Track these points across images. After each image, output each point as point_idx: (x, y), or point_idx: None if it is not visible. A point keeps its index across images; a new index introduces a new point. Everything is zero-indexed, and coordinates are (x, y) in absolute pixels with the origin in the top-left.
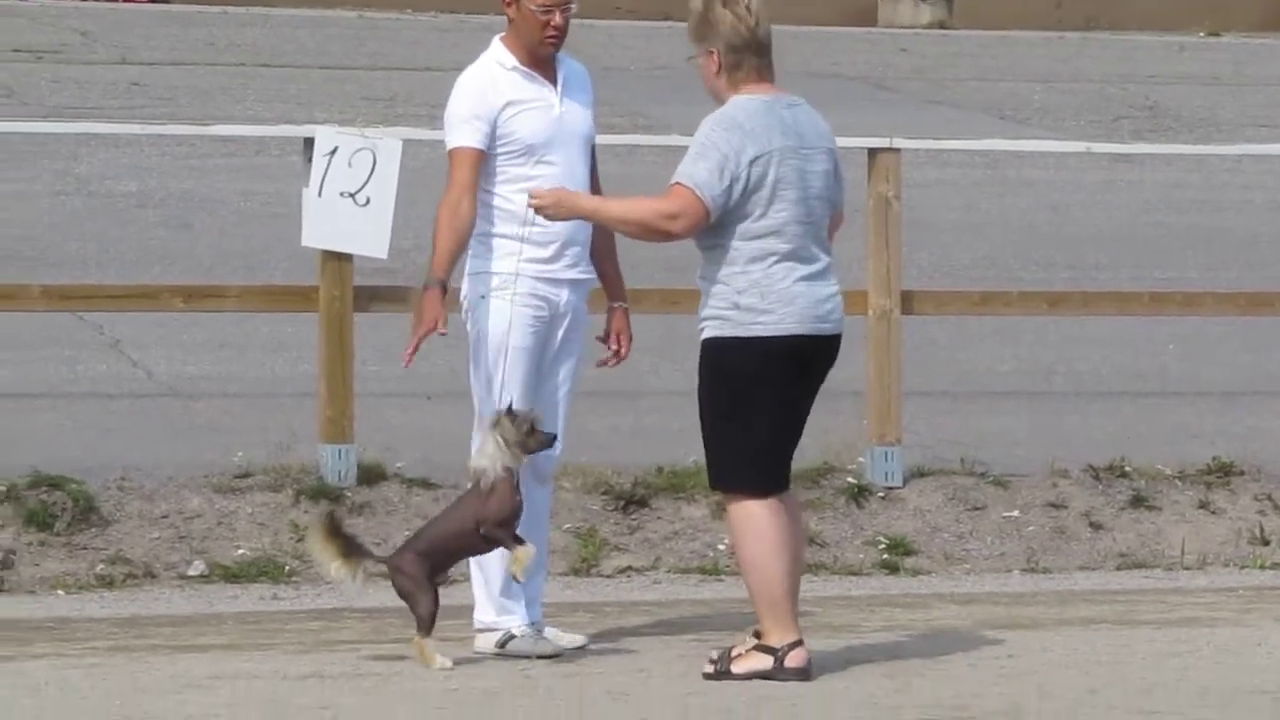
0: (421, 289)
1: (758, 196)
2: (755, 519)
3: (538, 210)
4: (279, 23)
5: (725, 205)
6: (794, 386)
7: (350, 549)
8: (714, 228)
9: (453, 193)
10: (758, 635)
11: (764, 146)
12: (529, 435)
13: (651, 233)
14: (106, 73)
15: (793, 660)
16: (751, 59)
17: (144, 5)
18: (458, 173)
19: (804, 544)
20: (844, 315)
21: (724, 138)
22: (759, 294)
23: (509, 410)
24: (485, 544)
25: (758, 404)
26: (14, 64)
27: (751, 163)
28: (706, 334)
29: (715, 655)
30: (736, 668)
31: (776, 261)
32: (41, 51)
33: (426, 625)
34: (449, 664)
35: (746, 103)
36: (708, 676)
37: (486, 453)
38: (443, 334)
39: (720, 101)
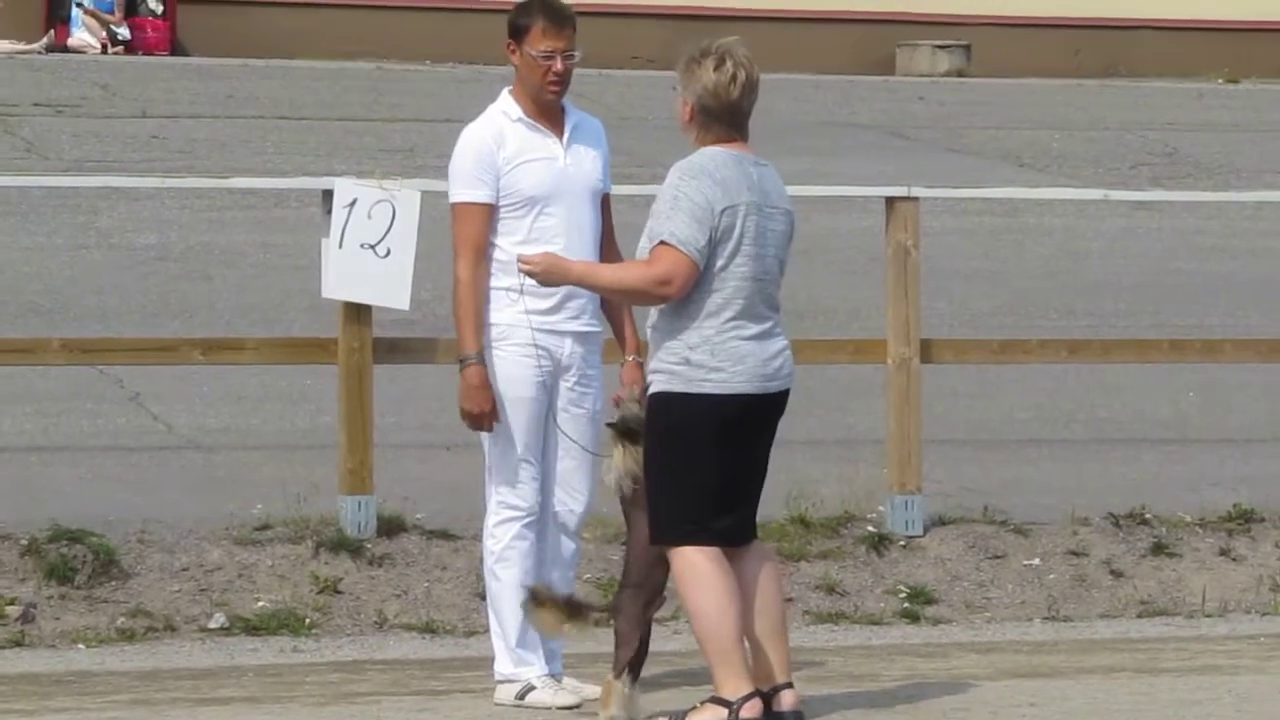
0: (460, 369)
1: (722, 248)
2: (697, 569)
3: (529, 275)
4: (297, 75)
5: (707, 255)
6: (737, 445)
7: (573, 610)
8: None
9: (466, 259)
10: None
11: (733, 199)
12: (641, 409)
13: (646, 298)
14: (126, 126)
15: (748, 712)
16: (720, 126)
17: (163, 59)
18: (466, 230)
19: (776, 596)
20: (793, 370)
21: (694, 187)
22: (709, 351)
23: (612, 424)
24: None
25: (701, 459)
26: (35, 118)
27: (722, 213)
28: (655, 388)
29: (668, 714)
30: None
31: (730, 319)
32: (62, 105)
33: (622, 666)
34: (621, 715)
35: (716, 153)
36: None
37: (614, 464)
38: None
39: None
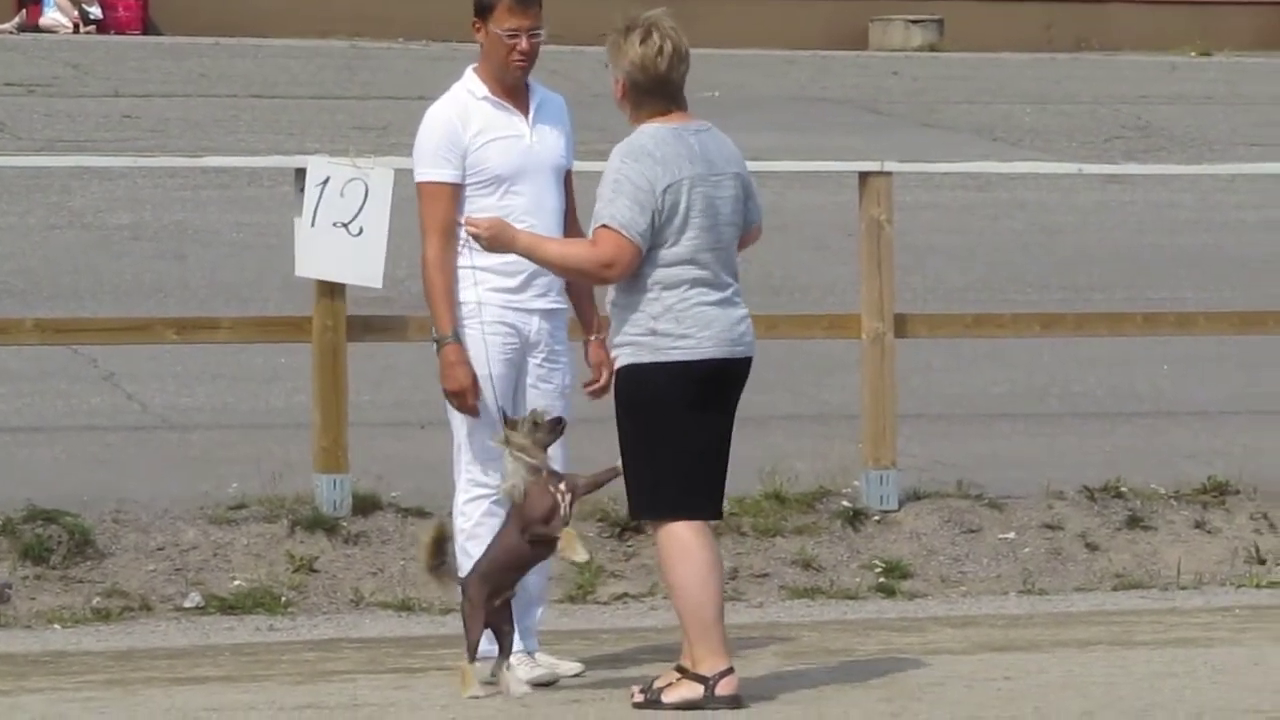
0: (436, 350)
1: (671, 225)
2: (683, 542)
3: (474, 238)
4: (270, 53)
5: (650, 236)
6: (711, 410)
7: (438, 564)
8: None
9: (434, 239)
10: (681, 670)
11: (675, 175)
12: (535, 430)
13: (588, 278)
14: (99, 106)
15: (724, 688)
16: (653, 100)
17: (136, 38)
18: (433, 209)
19: (721, 578)
20: (754, 339)
21: (635, 169)
22: (674, 319)
23: (505, 421)
24: (539, 548)
25: (680, 428)
26: (6, 98)
27: (665, 191)
28: (622, 361)
29: (641, 685)
30: (667, 697)
31: (689, 288)
32: (33, 85)
33: (470, 650)
34: (480, 694)
35: (655, 131)
36: (637, 706)
37: (508, 471)
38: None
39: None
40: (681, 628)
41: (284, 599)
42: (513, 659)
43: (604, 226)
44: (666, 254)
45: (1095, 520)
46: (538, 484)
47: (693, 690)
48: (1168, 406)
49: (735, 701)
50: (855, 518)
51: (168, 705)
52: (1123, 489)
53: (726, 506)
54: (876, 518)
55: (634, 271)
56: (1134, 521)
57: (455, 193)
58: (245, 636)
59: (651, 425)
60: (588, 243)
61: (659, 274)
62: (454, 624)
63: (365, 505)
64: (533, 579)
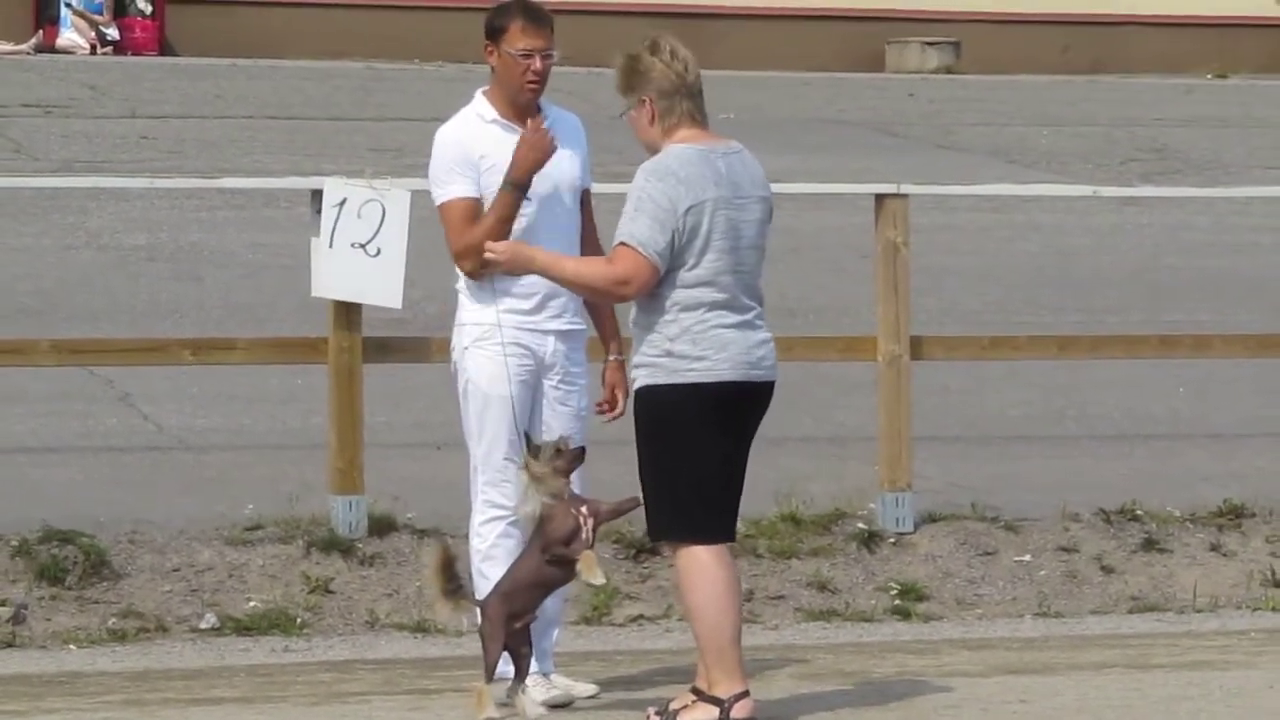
0: (502, 194)
1: (691, 246)
2: (703, 566)
3: (493, 264)
4: (286, 74)
5: (669, 256)
6: (729, 434)
7: (453, 588)
8: None
9: (466, 263)
10: (696, 692)
11: (698, 196)
12: (557, 458)
13: (605, 296)
14: (115, 126)
15: (739, 711)
16: (683, 103)
17: (152, 59)
18: (459, 228)
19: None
20: (776, 363)
21: (659, 188)
22: (690, 341)
23: (529, 447)
24: (560, 569)
25: (696, 451)
26: (23, 119)
27: (686, 212)
28: (640, 383)
29: (656, 709)
30: (682, 718)
31: (708, 310)
32: (50, 106)
33: (488, 672)
34: (495, 715)
35: (681, 151)
36: None
37: (526, 497)
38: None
39: (655, 152)
40: (698, 650)
41: (299, 620)
42: (528, 681)
43: (622, 244)
44: (686, 275)
45: (1111, 543)
46: (561, 506)
47: (708, 713)
48: (1184, 429)
49: None
50: (871, 540)
51: None
52: (1138, 512)
53: (742, 528)
54: (892, 540)
55: (650, 290)
56: (1150, 544)
57: (477, 208)
58: (261, 658)
59: (668, 447)
60: (604, 260)
61: (678, 295)
62: (470, 645)
63: (381, 526)
64: (549, 601)
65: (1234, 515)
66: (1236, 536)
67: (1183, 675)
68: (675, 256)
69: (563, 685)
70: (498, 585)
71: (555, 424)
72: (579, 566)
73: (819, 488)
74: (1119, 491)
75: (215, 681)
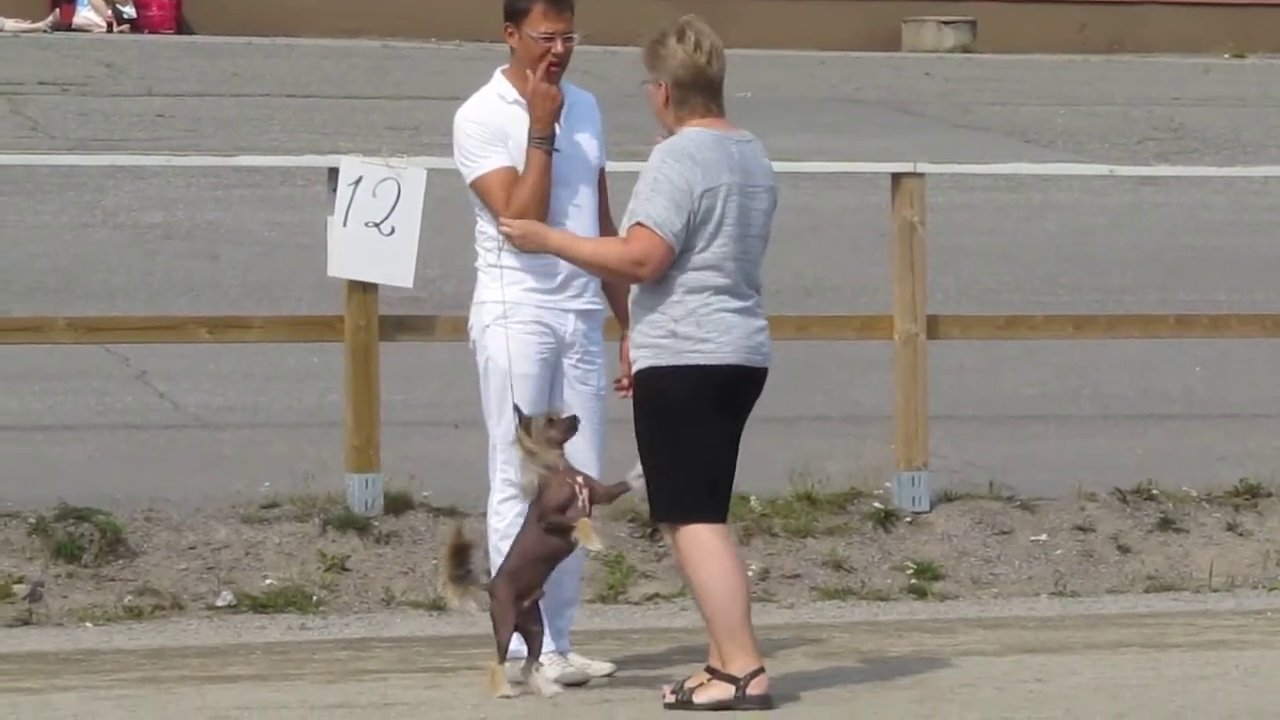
0: (534, 152)
1: (704, 230)
2: (707, 544)
3: (507, 238)
4: (303, 53)
5: (685, 237)
6: (727, 416)
7: (461, 573)
8: None
9: (505, 212)
10: (711, 671)
11: (714, 180)
12: (549, 428)
13: (620, 276)
14: (132, 105)
15: (755, 688)
16: (697, 97)
17: (169, 37)
18: (497, 198)
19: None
20: (771, 351)
21: (676, 170)
22: (695, 323)
23: (521, 421)
24: (559, 539)
25: (698, 433)
26: (40, 96)
27: (702, 195)
28: (641, 364)
29: (672, 686)
30: (698, 698)
31: (713, 294)
32: (67, 84)
33: (501, 651)
34: (510, 693)
35: (697, 135)
36: (669, 706)
37: (522, 468)
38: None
39: (669, 131)
40: (709, 629)
41: (315, 598)
42: (543, 659)
43: (639, 224)
44: (695, 259)
45: (1127, 522)
46: (556, 475)
47: (724, 691)
48: (1200, 409)
49: (766, 701)
50: (887, 519)
51: (199, 704)
52: (1155, 491)
53: (757, 507)
54: (908, 519)
55: (664, 270)
56: (1166, 524)
57: (514, 176)
58: (277, 635)
59: (671, 429)
60: (620, 241)
61: (684, 277)
62: (485, 624)
63: (397, 505)
64: (565, 580)
65: (1250, 495)
66: (1253, 516)
67: (1199, 655)
68: (688, 238)
69: (579, 663)
70: (502, 566)
71: (575, 402)
72: (576, 534)
73: (835, 466)
74: (1135, 471)
75: (231, 659)
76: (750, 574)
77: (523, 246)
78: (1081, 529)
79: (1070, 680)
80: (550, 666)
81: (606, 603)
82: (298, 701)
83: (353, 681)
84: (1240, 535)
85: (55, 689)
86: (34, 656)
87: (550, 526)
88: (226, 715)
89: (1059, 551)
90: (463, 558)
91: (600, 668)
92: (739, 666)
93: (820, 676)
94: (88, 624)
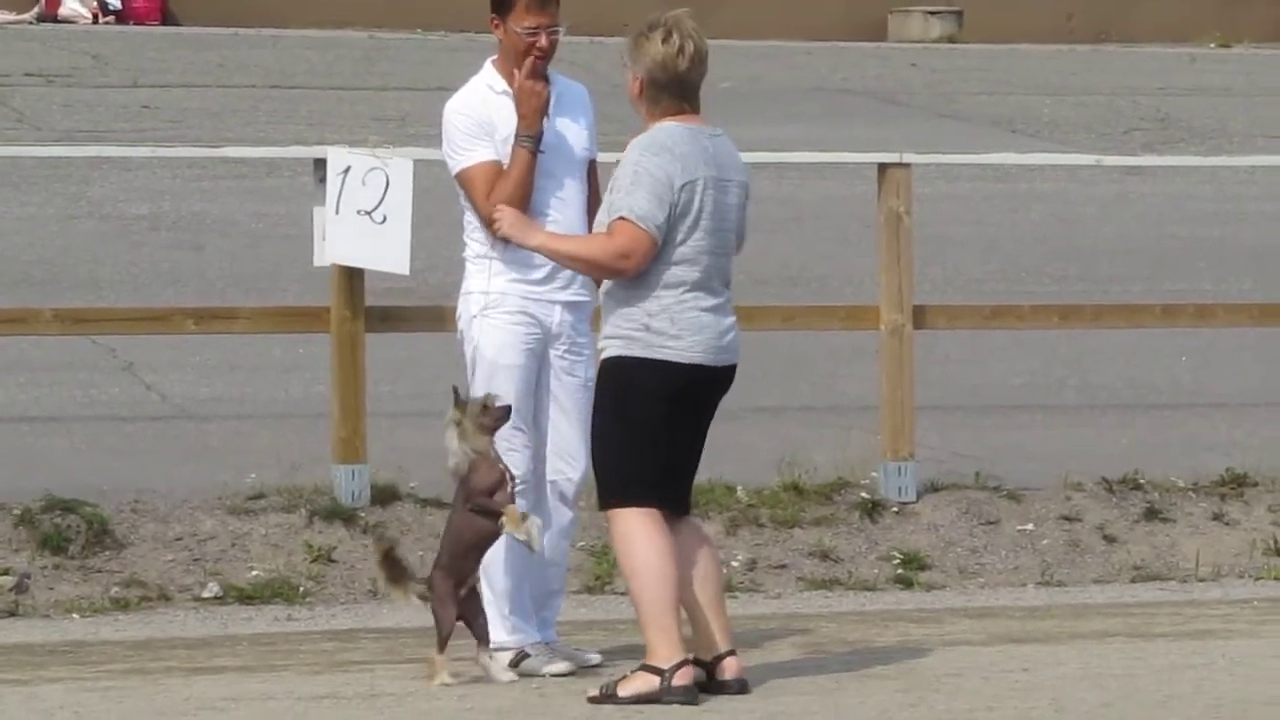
0: (519, 150)
1: (682, 223)
2: (637, 531)
3: (494, 223)
4: (289, 44)
5: (666, 231)
6: (687, 412)
7: (397, 574)
8: None
9: (486, 206)
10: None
11: (692, 174)
12: (484, 414)
13: (605, 271)
14: (118, 96)
15: (680, 679)
16: (669, 99)
17: (154, 28)
18: (480, 191)
19: (714, 566)
20: (739, 347)
21: (655, 163)
22: (669, 319)
23: (457, 402)
24: (487, 522)
25: (652, 423)
26: (26, 88)
27: (681, 188)
28: (610, 353)
29: (601, 687)
30: (623, 690)
31: (686, 290)
32: (53, 75)
33: (441, 642)
34: (450, 681)
35: (673, 129)
36: (592, 700)
37: (451, 449)
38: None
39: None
40: (637, 617)
41: (302, 589)
42: (530, 649)
43: (622, 219)
44: (671, 253)
45: (1114, 512)
46: (484, 460)
47: (648, 683)
48: (1186, 398)
49: (690, 694)
50: (873, 509)
51: (186, 695)
52: (1141, 481)
53: (744, 498)
54: (894, 509)
55: (648, 264)
56: (1152, 513)
57: (498, 170)
58: (263, 626)
59: (626, 416)
60: (604, 236)
61: (660, 272)
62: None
63: (384, 496)
64: (551, 571)
65: (1237, 484)
66: (1239, 505)
67: (1185, 644)
68: (667, 231)
69: (565, 653)
70: (436, 560)
71: (562, 394)
72: (504, 519)
73: (822, 457)
74: (1121, 461)
75: (218, 650)
76: (736, 564)
77: (506, 236)
78: (1068, 519)
79: (1056, 670)
80: (538, 657)
81: (593, 593)
82: (284, 692)
83: (339, 672)
84: (1227, 524)
85: (42, 680)
86: (20, 648)
87: (477, 508)
88: (213, 706)
89: (1045, 541)
90: (393, 560)
91: (587, 658)
92: (663, 657)
93: (807, 666)
94: (74, 615)
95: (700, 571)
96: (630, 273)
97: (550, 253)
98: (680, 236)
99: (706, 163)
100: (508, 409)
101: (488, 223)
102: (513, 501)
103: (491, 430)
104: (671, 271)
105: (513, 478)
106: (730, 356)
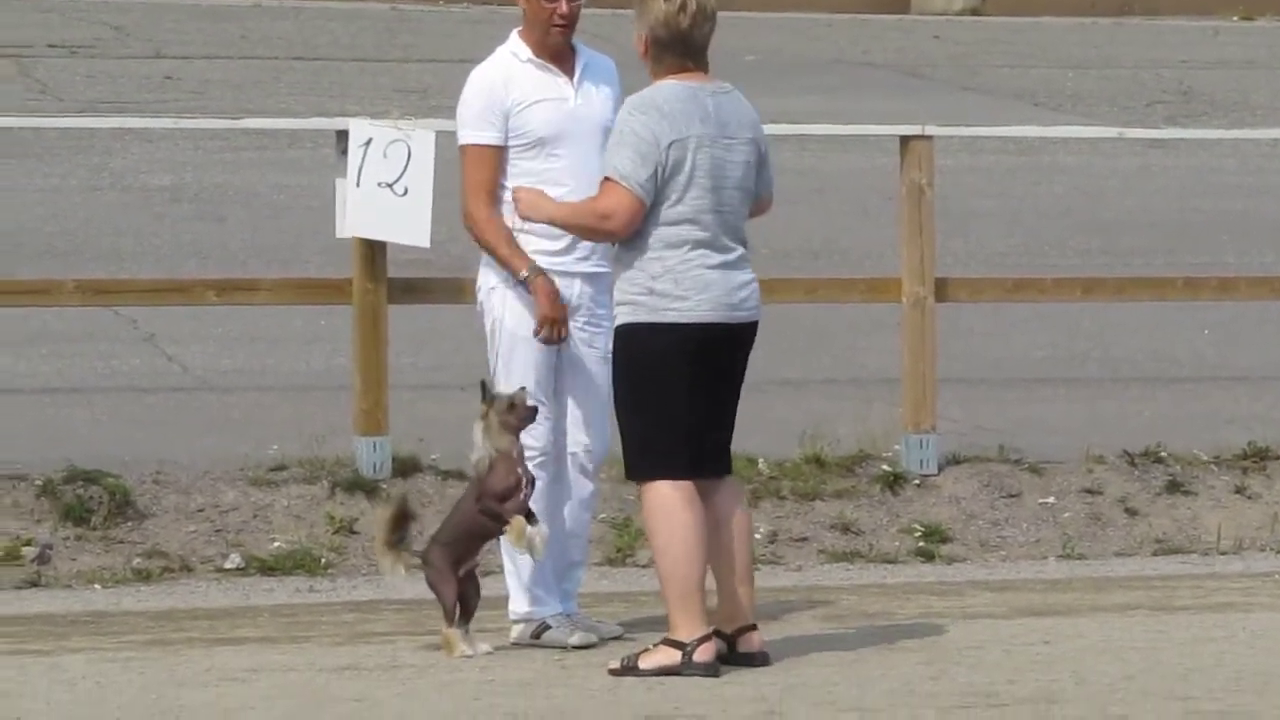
0: (529, 288)
1: (674, 182)
2: (669, 504)
3: (515, 202)
4: (311, 15)
5: (654, 190)
6: (709, 373)
7: (395, 539)
8: None
9: (478, 200)
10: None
11: (682, 132)
12: (509, 412)
13: (591, 233)
14: (140, 67)
15: (701, 655)
16: (672, 57)
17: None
18: (476, 173)
19: (745, 536)
20: (760, 303)
21: (641, 122)
22: (673, 280)
23: (485, 397)
24: (493, 522)
25: (670, 390)
26: (48, 59)
27: (669, 147)
28: (621, 320)
29: (624, 659)
30: (644, 663)
31: (691, 249)
32: (75, 46)
33: (449, 615)
34: (470, 652)
35: (669, 87)
36: (613, 672)
37: (475, 443)
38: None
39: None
40: (661, 591)
41: (324, 560)
42: (551, 620)
43: (606, 179)
44: (669, 212)
45: (1135, 485)
46: (504, 461)
47: (670, 656)
48: (1209, 372)
49: (712, 669)
50: (895, 482)
51: (208, 665)
52: (1163, 454)
53: (765, 470)
54: (916, 482)
55: (637, 225)
56: (1174, 487)
57: (497, 155)
58: (285, 598)
59: (643, 385)
60: (591, 198)
61: (661, 232)
62: (494, 586)
63: (405, 468)
64: (573, 542)
65: (1259, 458)
66: (1261, 479)
67: (1207, 617)
68: (658, 192)
69: (587, 625)
70: (436, 535)
71: (581, 366)
72: (508, 529)
73: (843, 429)
74: (1143, 434)
75: (240, 621)
76: (758, 537)
77: (525, 216)
78: (1089, 492)
79: (1078, 642)
80: (559, 629)
81: (614, 565)
82: (306, 664)
83: (361, 643)
84: (1248, 498)
85: (64, 651)
86: (42, 619)
87: (486, 510)
88: (235, 677)
89: (1067, 514)
90: (401, 526)
91: (608, 630)
92: (686, 633)
93: (828, 639)
94: (96, 586)
95: (732, 540)
96: (619, 233)
97: (547, 220)
98: (675, 195)
99: (703, 120)
100: (534, 409)
101: (463, 198)
102: (522, 511)
103: (516, 430)
104: (672, 231)
105: (531, 482)
106: (747, 314)
